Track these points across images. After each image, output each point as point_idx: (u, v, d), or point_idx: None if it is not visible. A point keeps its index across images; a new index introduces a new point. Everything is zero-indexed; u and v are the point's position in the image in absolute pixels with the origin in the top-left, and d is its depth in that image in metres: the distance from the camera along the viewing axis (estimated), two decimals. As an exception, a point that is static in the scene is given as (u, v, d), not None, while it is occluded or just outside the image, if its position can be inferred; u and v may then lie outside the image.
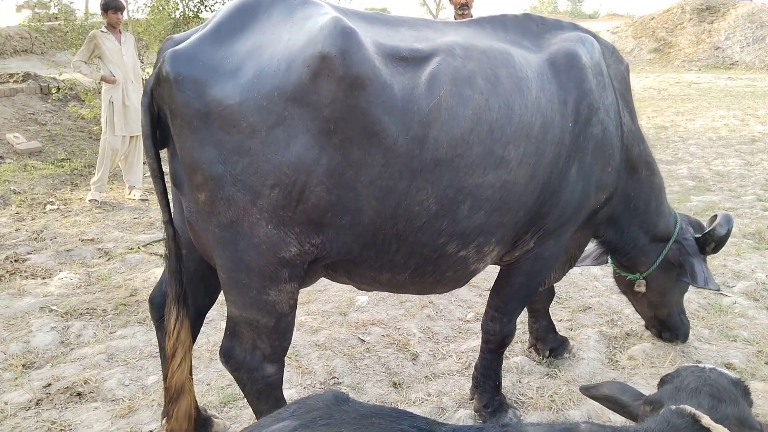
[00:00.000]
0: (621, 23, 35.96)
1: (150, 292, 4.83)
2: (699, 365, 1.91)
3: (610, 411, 3.39)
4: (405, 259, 2.57)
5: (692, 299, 4.81)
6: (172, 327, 2.53)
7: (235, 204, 2.22)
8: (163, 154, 2.53)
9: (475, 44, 2.54)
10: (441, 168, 2.39)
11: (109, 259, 5.74)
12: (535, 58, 2.72)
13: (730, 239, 6.17)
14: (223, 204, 2.23)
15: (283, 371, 2.65)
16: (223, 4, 11.25)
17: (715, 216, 3.68)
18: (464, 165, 2.43)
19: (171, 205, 2.60)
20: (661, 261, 3.60)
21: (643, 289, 3.69)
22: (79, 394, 3.54)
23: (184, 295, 2.55)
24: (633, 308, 4.68)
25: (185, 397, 2.64)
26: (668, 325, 4.04)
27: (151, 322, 4.29)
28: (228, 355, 2.55)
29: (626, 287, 3.93)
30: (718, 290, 3.85)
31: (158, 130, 2.41)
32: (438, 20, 2.93)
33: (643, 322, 4.46)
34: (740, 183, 8.57)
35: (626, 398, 1.94)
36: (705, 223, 3.85)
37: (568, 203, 2.86)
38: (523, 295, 3.22)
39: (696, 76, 25.84)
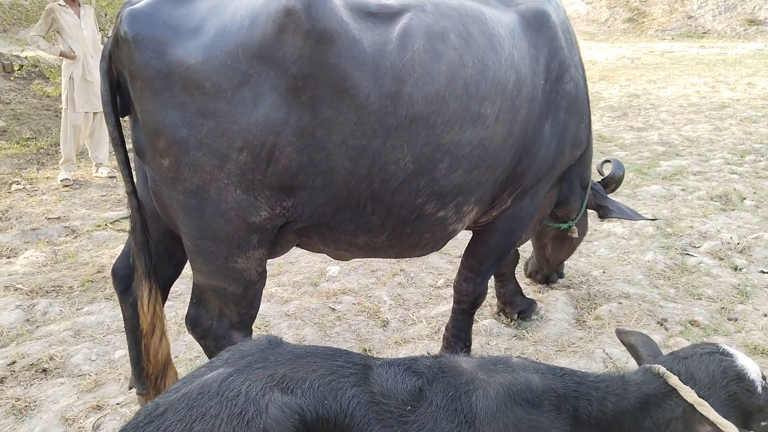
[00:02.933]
0: (595, -7, 35.86)
1: (118, 267, 4.83)
2: (716, 345, 1.84)
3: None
4: (382, 220, 2.53)
5: (659, 260, 4.88)
6: (146, 302, 2.47)
7: (201, 169, 2.16)
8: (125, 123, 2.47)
9: (446, 1, 2.49)
10: (417, 125, 2.34)
11: (75, 236, 5.64)
12: (505, 16, 2.70)
13: (698, 201, 6.31)
14: (188, 169, 2.17)
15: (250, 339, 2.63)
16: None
17: (607, 161, 4.10)
18: (441, 122, 2.39)
19: (134, 175, 2.54)
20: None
21: (576, 234, 3.84)
22: (44, 370, 3.50)
23: (153, 267, 2.49)
24: (600, 270, 4.76)
25: (171, 368, 2.65)
26: (560, 266, 4.47)
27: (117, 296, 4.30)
28: (194, 323, 2.52)
29: (550, 239, 4.06)
30: (649, 219, 4.11)
31: (119, 97, 2.34)
32: None
33: (610, 283, 4.54)
34: (709, 147, 8.67)
35: (642, 351, 1.98)
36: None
37: (544, 160, 2.89)
38: (498, 254, 3.23)
39: (669, 45, 25.96)
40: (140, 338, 2.84)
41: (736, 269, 4.74)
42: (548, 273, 4.42)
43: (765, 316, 4.05)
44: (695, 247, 5.18)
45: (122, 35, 2.11)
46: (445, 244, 2.93)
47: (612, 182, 3.94)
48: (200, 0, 2.19)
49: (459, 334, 3.34)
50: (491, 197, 2.84)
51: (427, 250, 2.89)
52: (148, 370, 2.59)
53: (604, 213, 3.84)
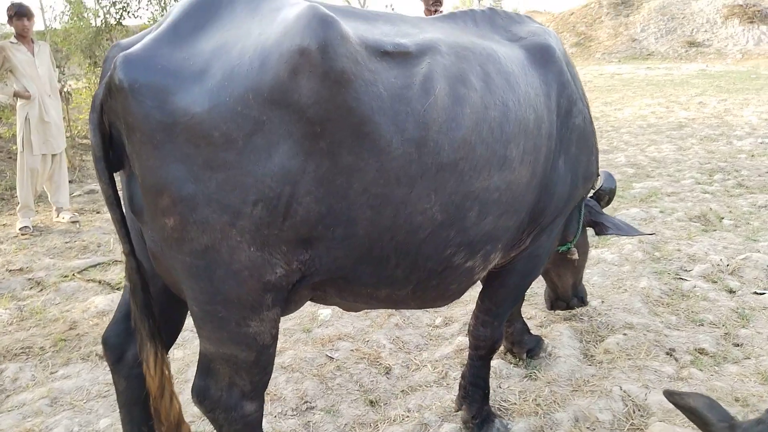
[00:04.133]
0: (542, 19, 36.94)
1: (91, 323, 4.49)
2: None
3: (597, 410, 3.32)
4: (407, 273, 2.35)
5: (654, 286, 4.83)
6: (153, 364, 2.23)
7: (211, 227, 1.93)
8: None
9: (458, 41, 2.39)
10: (444, 173, 2.20)
11: (41, 289, 5.25)
12: (513, 53, 2.63)
13: (678, 223, 6.33)
14: (195, 228, 1.93)
15: (263, 408, 2.38)
16: (158, 8, 10.72)
17: (597, 174, 3.97)
18: (468, 168, 2.25)
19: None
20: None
21: (576, 255, 3.71)
22: (20, 447, 3.16)
23: (158, 328, 2.25)
24: (599, 300, 4.67)
25: (185, 426, 2.44)
26: (578, 290, 4.22)
27: (97, 358, 3.97)
28: (202, 396, 2.26)
29: (551, 263, 3.89)
30: (646, 233, 4.02)
31: (111, 150, 2.10)
32: (410, 15, 2.74)
33: (611, 313, 4.44)
34: (677, 168, 8.81)
35: (711, 416, 1.81)
36: None
37: (560, 196, 2.82)
38: (516, 295, 3.12)
39: (617, 67, 26.86)
40: (136, 412, 2.59)
41: (731, 292, 4.72)
42: (566, 299, 4.22)
43: (770, 339, 4.01)
44: (687, 270, 5.15)
45: (117, 83, 1.86)
46: (466, 292, 2.78)
47: (605, 195, 3.87)
48: (202, 41, 1.97)
49: (477, 381, 3.16)
50: (514, 240, 2.72)
51: (450, 300, 2.73)
52: (161, 431, 2.37)
53: (600, 230, 3.74)
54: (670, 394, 1.95)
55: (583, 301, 4.32)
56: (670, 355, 3.88)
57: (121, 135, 1.97)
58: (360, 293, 2.41)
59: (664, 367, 3.73)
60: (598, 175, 4.02)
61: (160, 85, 1.84)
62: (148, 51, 1.89)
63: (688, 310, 4.46)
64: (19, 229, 6.72)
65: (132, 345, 2.48)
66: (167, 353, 2.66)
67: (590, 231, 3.88)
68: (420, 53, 2.20)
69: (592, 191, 3.89)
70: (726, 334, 4.12)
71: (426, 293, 2.51)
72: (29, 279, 5.41)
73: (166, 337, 2.60)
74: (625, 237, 3.82)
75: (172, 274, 2.15)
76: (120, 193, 2.14)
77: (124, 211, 2.17)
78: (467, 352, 3.30)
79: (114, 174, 2.13)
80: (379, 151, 2.06)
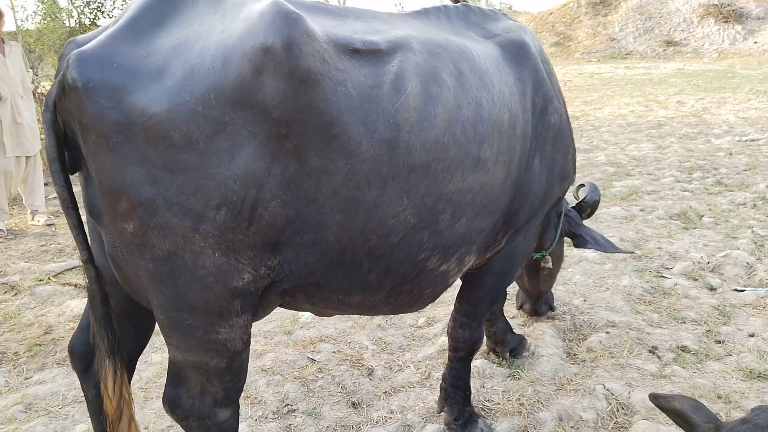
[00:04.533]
0: (522, 19, 37.11)
1: (67, 327, 4.39)
2: None
3: (581, 409, 3.30)
4: (380, 279, 2.29)
5: (636, 284, 4.84)
6: (111, 384, 2.13)
7: (173, 232, 1.85)
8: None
9: (431, 37, 2.33)
10: (416, 174, 2.14)
11: (16, 294, 5.12)
12: (487, 50, 2.57)
13: (658, 221, 6.36)
14: (156, 234, 1.86)
15: (238, 414, 2.32)
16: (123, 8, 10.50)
17: (582, 185, 4.03)
18: (441, 169, 2.20)
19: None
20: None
21: (550, 264, 3.71)
22: (-8, 456, 3.07)
23: (117, 344, 2.15)
24: (581, 298, 4.67)
25: None
26: (547, 297, 4.31)
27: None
28: (173, 404, 2.19)
29: (525, 269, 3.90)
30: (630, 252, 4.03)
31: (67, 152, 2.00)
32: (382, 12, 2.69)
33: (593, 311, 4.44)
34: (657, 166, 8.88)
35: (697, 418, 1.78)
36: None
37: (536, 196, 2.77)
38: (494, 296, 3.07)
39: (596, 66, 27.04)
40: (105, 423, 2.51)
41: (711, 289, 4.75)
42: (534, 303, 4.26)
43: (751, 336, 4.03)
44: (668, 268, 5.17)
45: (70, 82, 1.77)
46: (440, 296, 2.73)
47: (587, 207, 3.86)
48: (161, 37, 1.88)
49: (458, 383, 3.13)
50: (488, 242, 2.69)
51: (425, 305, 2.68)
52: None
53: (578, 242, 3.73)
54: (655, 398, 1.93)
55: (551, 308, 4.38)
56: (653, 353, 3.89)
57: (76, 136, 1.88)
58: (331, 299, 2.35)
59: (647, 365, 3.73)
60: (582, 185, 4.01)
61: (116, 83, 1.76)
62: (103, 48, 1.80)
63: (670, 308, 4.48)
64: (-7, 232, 6.57)
65: None
66: (134, 364, 2.57)
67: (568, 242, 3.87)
68: (391, 51, 2.13)
69: (571, 194, 3.88)
70: (708, 331, 4.14)
71: (399, 298, 2.45)
72: (3, 283, 5.28)
73: (134, 347, 2.52)
74: (606, 241, 3.78)
75: (132, 282, 2.07)
76: (79, 195, 2.06)
77: (82, 215, 2.09)
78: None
79: (72, 176, 2.05)
80: (348, 152, 1.99)
